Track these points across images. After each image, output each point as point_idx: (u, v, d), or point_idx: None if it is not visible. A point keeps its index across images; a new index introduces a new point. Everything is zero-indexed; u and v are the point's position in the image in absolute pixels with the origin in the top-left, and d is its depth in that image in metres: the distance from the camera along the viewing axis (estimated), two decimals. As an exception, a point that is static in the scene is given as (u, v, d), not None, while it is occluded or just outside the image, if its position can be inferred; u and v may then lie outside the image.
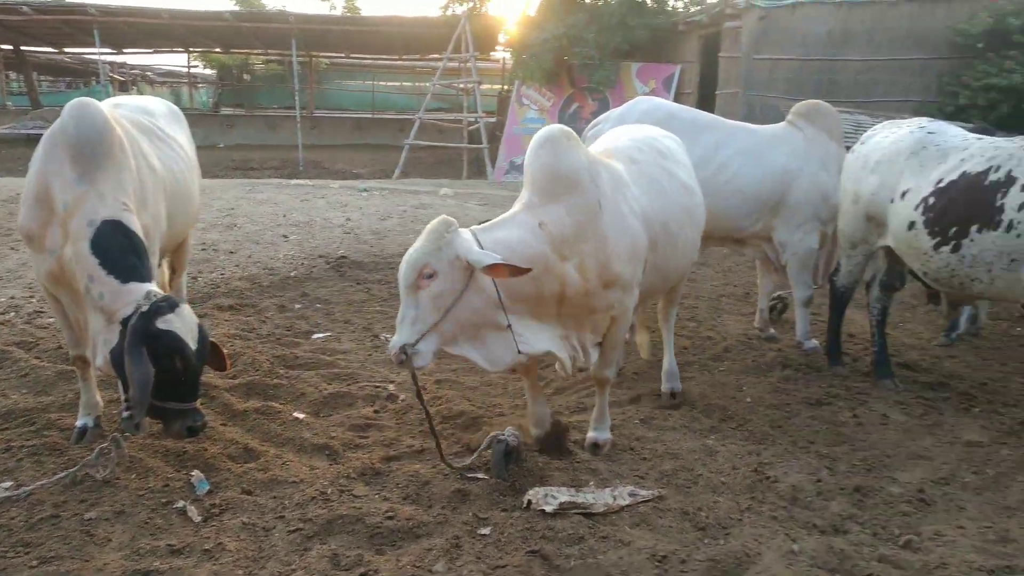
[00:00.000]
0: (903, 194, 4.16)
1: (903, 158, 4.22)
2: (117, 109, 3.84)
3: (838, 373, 4.67)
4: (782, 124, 5.25)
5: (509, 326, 3.00)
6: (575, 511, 3.00)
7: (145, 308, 2.94)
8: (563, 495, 3.06)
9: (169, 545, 2.77)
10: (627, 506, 3.07)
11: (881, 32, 11.96)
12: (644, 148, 3.68)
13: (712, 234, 4.86)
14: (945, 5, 11.91)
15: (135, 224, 3.17)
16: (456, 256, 2.86)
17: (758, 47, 12.19)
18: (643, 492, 3.14)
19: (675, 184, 3.65)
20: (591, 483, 3.24)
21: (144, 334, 2.90)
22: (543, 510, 2.98)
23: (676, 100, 14.79)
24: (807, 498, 3.19)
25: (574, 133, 3.27)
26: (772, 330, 5.51)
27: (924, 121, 4.47)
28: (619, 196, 3.26)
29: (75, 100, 3.33)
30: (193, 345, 3.01)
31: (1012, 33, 10.63)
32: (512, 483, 3.25)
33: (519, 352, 3.02)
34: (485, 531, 2.89)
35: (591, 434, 3.59)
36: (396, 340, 2.89)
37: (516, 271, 2.81)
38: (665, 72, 15.20)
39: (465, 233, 2.95)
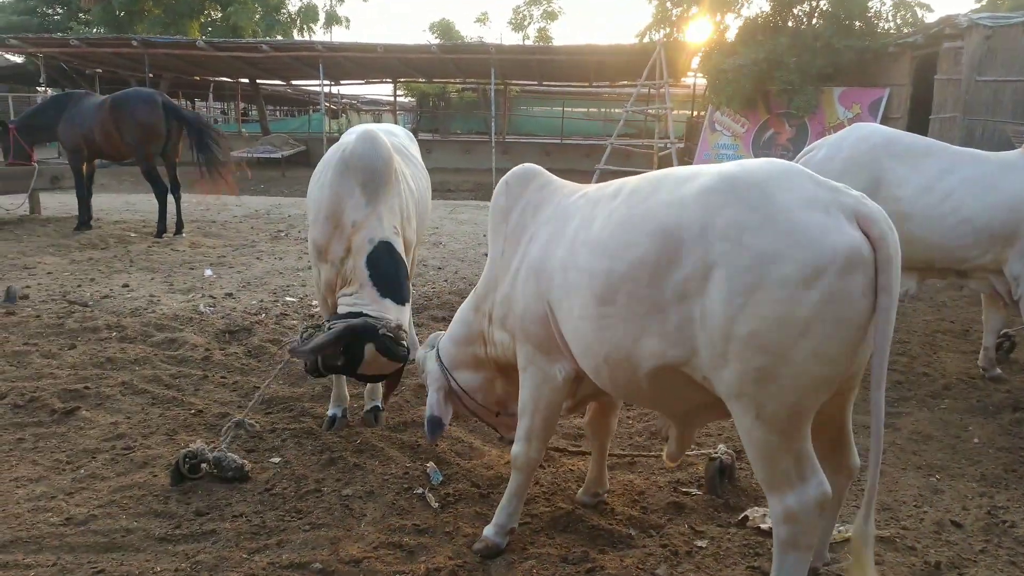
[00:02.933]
0: None
1: None
2: None
3: (1082, 421, 4.29)
4: (1020, 150, 4.92)
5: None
6: (793, 534, 3.02)
7: (374, 324, 3.35)
8: (781, 517, 3.09)
9: (415, 525, 3.11)
10: (850, 538, 3.04)
11: None
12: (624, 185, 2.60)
13: (932, 266, 4.67)
14: None
15: (400, 247, 3.63)
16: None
17: (981, 68, 11.32)
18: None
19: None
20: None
21: (346, 333, 3.30)
22: (759, 527, 3.04)
23: (883, 125, 14.02)
24: (1050, 547, 3.00)
25: (533, 174, 3.01)
26: (998, 370, 5.14)
27: None
28: (522, 242, 2.89)
29: (365, 130, 3.80)
30: (365, 374, 3.48)
31: None
32: (726, 500, 3.33)
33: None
34: (702, 543, 2.99)
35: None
36: None
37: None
38: (871, 96, 14.47)
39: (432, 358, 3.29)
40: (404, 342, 3.43)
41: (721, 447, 3.55)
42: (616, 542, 3.02)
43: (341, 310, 3.55)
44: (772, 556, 2.29)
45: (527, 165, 3.08)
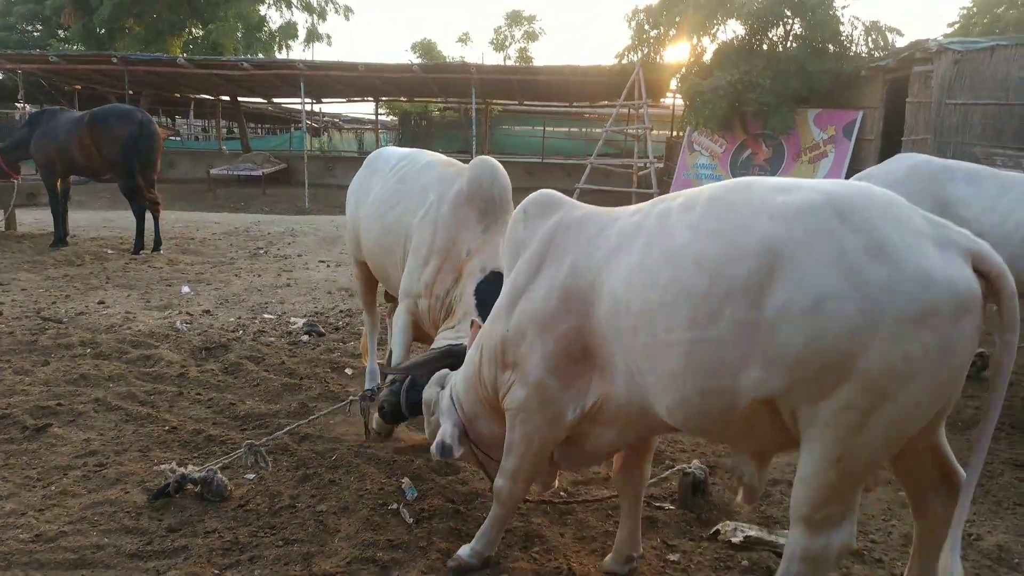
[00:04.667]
0: None
1: None
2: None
3: (1048, 436, 4.37)
4: None
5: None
6: (763, 548, 3.06)
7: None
8: (752, 530, 3.13)
9: (389, 540, 3.11)
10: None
11: (1097, 74, 11.04)
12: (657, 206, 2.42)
13: None
14: None
15: None
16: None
17: (951, 92, 11.58)
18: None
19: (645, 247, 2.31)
20: (780, 527, 3.28)
21: (448, 353, 3.25)
22: (731, 541, 3.07)
23: (857, 147, 14.29)
24: (1014, 559, 3.06)
25: (557, 201, 2.76)
26: None
27: None
28: (548, 267, 2.58)
29: (483, 160, 3.71)
30: None
31: None
32: (699, 515, 3.36)
33: None
34: (674, 557, 3.02)
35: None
36: None
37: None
38: (845, 118, 14.73)
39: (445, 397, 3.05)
40: None
41: (695, 462, 3.60)
42: (589, 555, 3.04)
43: (438, 343, 3.44)
44: None
45: (545, 191, 2.84)
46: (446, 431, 2.91)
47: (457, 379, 3.03)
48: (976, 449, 2.01)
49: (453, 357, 3.18)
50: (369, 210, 4.32)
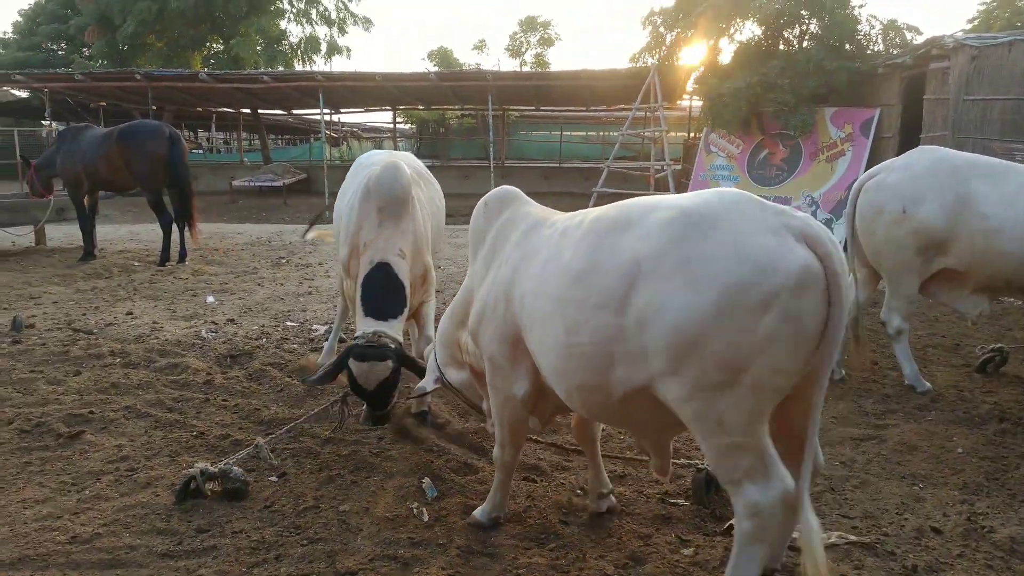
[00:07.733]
0: None
1: None
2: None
3: (1067, 431, 4.38)
4: None
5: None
6: (776, 542, 3.11)
7: (355, 342, 3.77)
8: (765, 525, 3.18)
9: (410, 537, 3.20)
10: (833, 544, 3.13)
11: (1118, 66, 10.92)
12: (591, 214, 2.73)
13: (1012, 284, 4.77)
14: None
15: (401, 269, 3.95)
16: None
17: (969, 88, 11.50)
18: (852, 536, 3.17)
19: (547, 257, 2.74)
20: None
21: (341, 363, 3.80)
22: (745, 537, 3.12)
23: (875, 145, 14.19)
24: (1027, 551, 3.09)
25: (511, 197, 3.21)
26: None
27: None
28: (494, 264, 3.08)
29: (389, 163, 4.12)
30: (367, 387, 3.75)
31: None
32: (712, 510, 3.42)
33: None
34: (687, 551, 3.08)
35: None
36: None
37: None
38: (863, 116, 14.64)
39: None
40: (388, 344, 3.73)
41: (708, 459, 3.65)
42: (604, 552, 3.11)
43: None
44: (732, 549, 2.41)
45: (506, 188, 3.27)
46: (426, 380, 3.64)
47: (436, 341, 3.61)
48: (811, 409, 2.29)
49: (345, 358, 3.75)
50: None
